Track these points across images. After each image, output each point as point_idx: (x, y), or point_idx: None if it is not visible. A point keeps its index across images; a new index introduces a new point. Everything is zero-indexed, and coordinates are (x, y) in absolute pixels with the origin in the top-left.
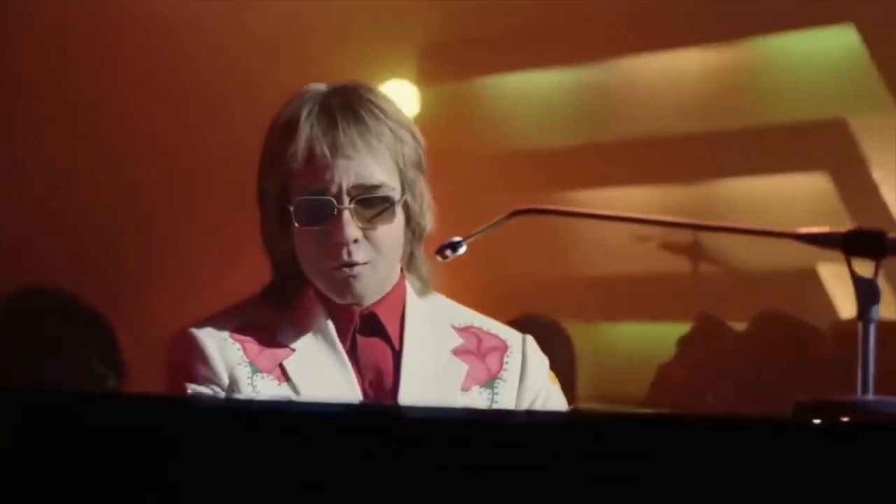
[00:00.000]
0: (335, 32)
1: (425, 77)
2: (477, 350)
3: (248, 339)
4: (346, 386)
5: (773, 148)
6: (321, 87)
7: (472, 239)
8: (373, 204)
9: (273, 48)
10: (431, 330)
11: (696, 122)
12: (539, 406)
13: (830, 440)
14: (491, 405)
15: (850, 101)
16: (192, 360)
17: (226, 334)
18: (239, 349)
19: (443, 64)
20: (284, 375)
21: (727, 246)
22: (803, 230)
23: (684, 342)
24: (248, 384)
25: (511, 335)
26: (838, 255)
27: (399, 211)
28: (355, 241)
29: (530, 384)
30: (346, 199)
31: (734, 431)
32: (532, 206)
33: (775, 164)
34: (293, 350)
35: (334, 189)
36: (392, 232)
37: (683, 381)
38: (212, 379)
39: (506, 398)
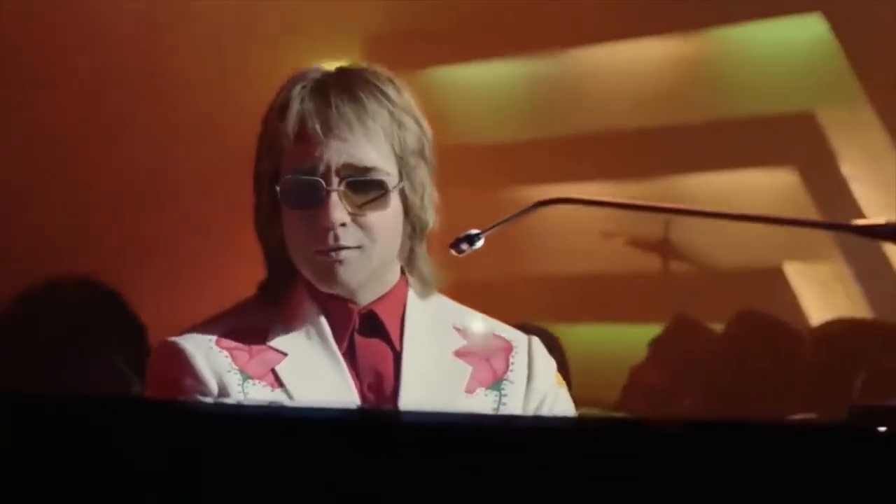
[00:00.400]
0: (280, 23)
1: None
2: (481, 351)
3: (238, 344)
4: (342, 389)
5: (739, 142)
6: (322, 67)
7: (490, 231)
8: (364, 188)
9: (218, 40)
10: (433, 331)
11: (657, 115)
12: (546, 409)
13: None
14: (498, 407)
15: (819, 94)
16: (178, 373)
17: (212, 343)
18: (227, 357)
19: (389, 55)
20: (277, 381)
21: (696, 243)
22: (860, 222)
23: (657, 343)
24: (239, 392)
25: (516, 336)
26: (809, 253)
27: (395, 199)
28: (342, 224)
29: (537, 386)
30: (336, 181)
31: (783, 438)
32: (556, 196)
33: (740, 158)
34: (285, 354)
35: (322, 168)
36: (385, 219)
37: (657, 383)
38: (200, 390)
39: (513, 400)
